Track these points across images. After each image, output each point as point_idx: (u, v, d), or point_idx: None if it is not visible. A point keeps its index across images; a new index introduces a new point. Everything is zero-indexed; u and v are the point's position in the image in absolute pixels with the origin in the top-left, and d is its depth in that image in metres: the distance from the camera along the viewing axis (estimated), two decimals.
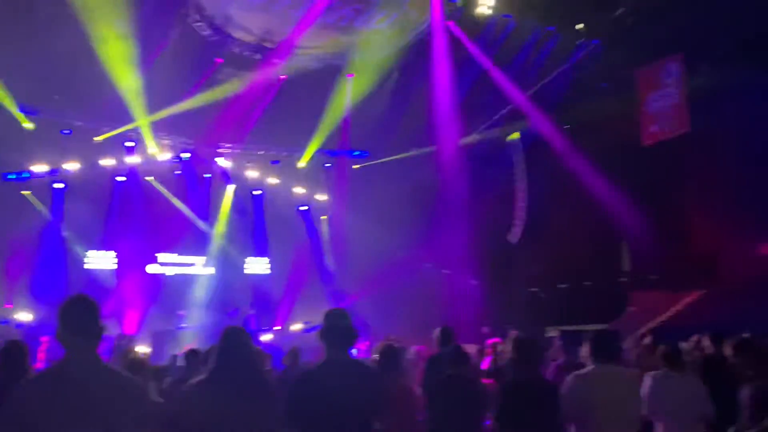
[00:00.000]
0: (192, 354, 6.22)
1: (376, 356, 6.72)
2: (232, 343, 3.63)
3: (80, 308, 2.87)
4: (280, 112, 16.71)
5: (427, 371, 6.58)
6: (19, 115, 14.55)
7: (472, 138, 17.05)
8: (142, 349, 15.25)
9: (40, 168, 15.90)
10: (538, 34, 15.00)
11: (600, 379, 4.33)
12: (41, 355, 13.45)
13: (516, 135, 16.88)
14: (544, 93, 15.59)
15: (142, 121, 15.78)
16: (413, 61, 16.27)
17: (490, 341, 9.64)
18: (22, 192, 15.94)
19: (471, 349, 9.86)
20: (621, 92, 14.63)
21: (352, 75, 16.40)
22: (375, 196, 17.55)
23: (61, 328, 2.81)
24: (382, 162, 18.46)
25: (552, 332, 13.94)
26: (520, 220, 16.68)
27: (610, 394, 4.23)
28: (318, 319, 3.96)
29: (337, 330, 3.64)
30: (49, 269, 15.91)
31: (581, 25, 14.74)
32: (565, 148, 15.03)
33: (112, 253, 17.20)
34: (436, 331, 6.79)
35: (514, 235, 16.65)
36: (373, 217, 17.08)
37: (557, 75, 15.40)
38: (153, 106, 15.48)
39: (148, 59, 14.35)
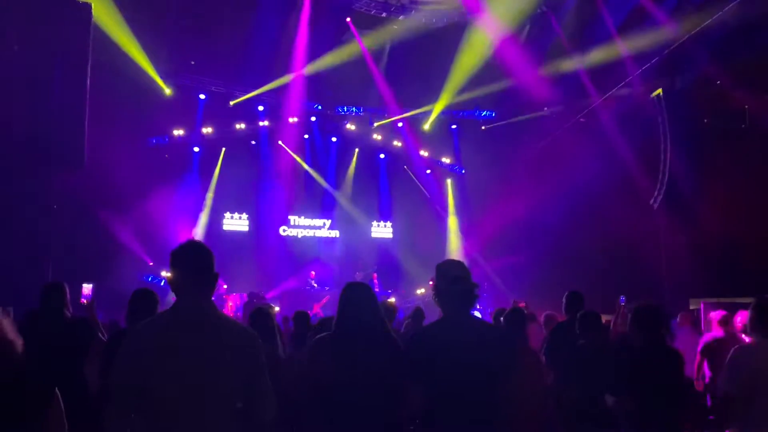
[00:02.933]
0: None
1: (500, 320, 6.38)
2: (355, 297, 3.50)
3: (192, 254, 2.70)
4: (405, 73, 16.42)
5: (551, 338, 6.11)
6: (160, 82, 15.25)
7: (610, 95, 15.86)
8: (274, 308, 15.90)
9: (178, 132, 16.71)
10: None
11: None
12: None
13: (659, 91, 15.48)
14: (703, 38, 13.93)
15: (272, 85, 16.10)
16: (541, 16, 15.30)
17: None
18: (166, 156, 16.89)
19: (606, 318, 9.25)
20: None
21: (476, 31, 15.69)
22: (502, 157, 16.91)
23: (173, 272, 2.68)
24: (510, 122, 17.67)
25: (696, 304, 12.86)
26: (662, 184, 15.38)
27: None
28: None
29: (455, 291, 3.25)
30: (187, 229, 16.83)
31: None
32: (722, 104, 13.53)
33: (246, 216, 17.90)
34: (565, 297, 6.18)
35: (656, 200, 15.39)
36: (501, 179, 16.49)
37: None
38: (282, 70, 15.74)
39: (280, 23, 14.54)
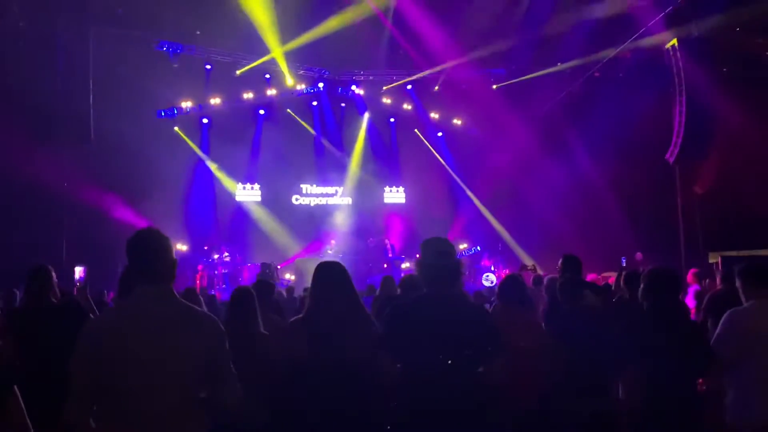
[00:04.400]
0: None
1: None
2: (327, 278, 3.49)
3: (145, 241, 2.61)
4: (411, 34, 16.04)
5: (550, 304, 5.56)
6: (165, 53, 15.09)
7: (622, 49, 15.43)
8: (289, 277, 15.93)
9: (186, 103, 16.57)
10: None
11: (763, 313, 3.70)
12: (198, 282, 14.41)
13: (674, 41, 15.03)
14: None
15: (278, 52, 15.84)
16: None
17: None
18: (175, 129, 16.79)
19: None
20: None
21: None
22: (515, 116, 16.60)
23: (129, 261, 2.60)
24: (522, 80, 17.29)
25: (714, 258, 12.66)
26: (678, 137, 15.04)
27: None
28: (455, 248, 3.53)
29: (437, 267, 3.18)
30: (199, 201, 16.82)
31: None
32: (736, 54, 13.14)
33: (258, 186, 17.84)
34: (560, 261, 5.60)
35: (672, 154, 15.07)
36: (513, 138, 16.22)
37: None
38: (287, 36, 15.47)
39: None
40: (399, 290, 5.94)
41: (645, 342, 3.66)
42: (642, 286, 3.91)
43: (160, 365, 2.40)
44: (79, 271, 11.43)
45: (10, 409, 2.36)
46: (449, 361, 2.96)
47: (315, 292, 3.48)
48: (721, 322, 3.81)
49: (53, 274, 4.56)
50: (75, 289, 5.78)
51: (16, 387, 2.41)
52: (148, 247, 2.59)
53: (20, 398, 2.41)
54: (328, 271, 3.52)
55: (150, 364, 2.39)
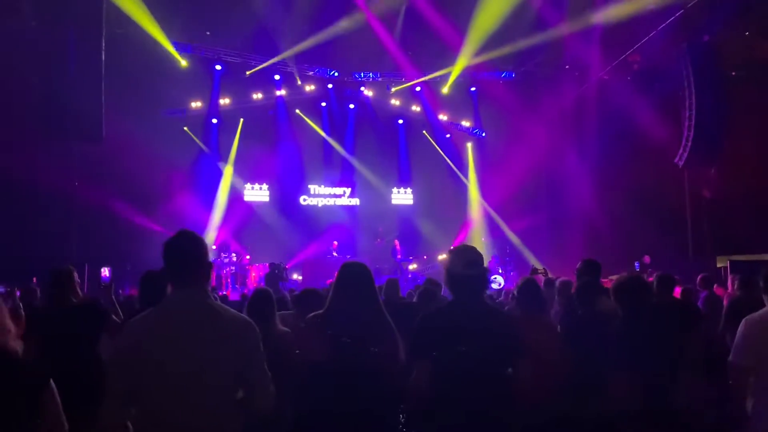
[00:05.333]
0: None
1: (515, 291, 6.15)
2: (349, 278, 3.43)
3: (183, 244, 2.64)
4: (421, 35, 16.07)
5: (565, 307, 5.68)
6: (175, 53, 15.15)
7: (631, 51, 15.40)
8: (297, 277, 15.99)
9: (195, 104, 16.66)
10: None
11: None
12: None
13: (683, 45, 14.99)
14: None
15: (288, 53, 15.92)
16: None
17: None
18: (184, 128, 16.88)
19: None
20: None
21: None
22: (523, 119, 16.60)
23: (165, 264, 2.63)
24: (531, 83, 17.29)
25: (722, 262, 12.63)
26: (687, 140, 14.99)
27: None
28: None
29: (466, 276, 3.17)
30: (207, 201, 16.90)
31: None
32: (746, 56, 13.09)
33: (266, 186, 17.91)
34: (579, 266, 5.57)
35: (681, 158, 15.03)
36: (522, 140, 16.21)
37: None
38: (297, 37, 15.53)
39: None
40: (415, 299, 5.95)
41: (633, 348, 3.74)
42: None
43: (197, 369, 2.43)
44: (104, 271, 11.55)
45: (46, 403, 2.38)
46: (479, 370, 2.96)
47: (338, 292, 3.42)
48: (740, 329, 3.81)
49: (75, 274, 4.62)
50: (101, 289, 5.84)
51: (51, 381, 2.42)
52: (188, 251, 2.62)
53: (56, 392, 2.42)
54: (352, 272, 3.48)
55: (187, 367, 2.42)
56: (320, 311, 3.46)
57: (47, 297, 4.60)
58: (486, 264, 3.34)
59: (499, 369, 3.05)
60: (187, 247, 2.63)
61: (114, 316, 4.69)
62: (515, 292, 5.27)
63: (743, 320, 3.79)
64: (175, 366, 2.42)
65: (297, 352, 3.59)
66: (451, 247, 3.40)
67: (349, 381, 3.20)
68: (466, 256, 3.24)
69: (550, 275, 12.88)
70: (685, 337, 4.25)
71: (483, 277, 3.24)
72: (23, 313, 4.57)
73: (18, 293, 5.74)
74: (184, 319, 2.51)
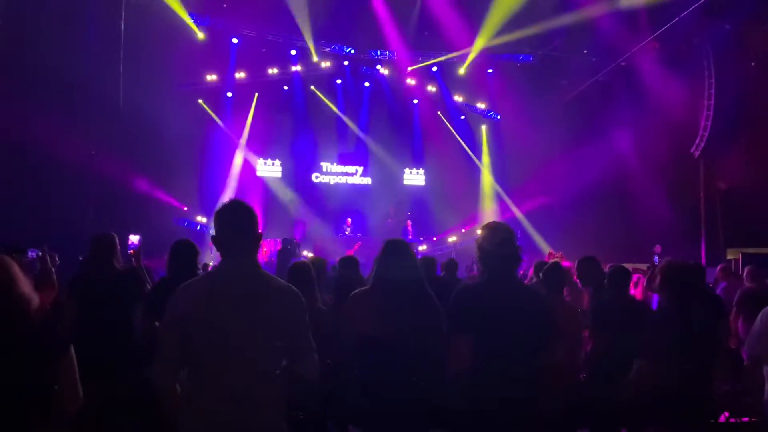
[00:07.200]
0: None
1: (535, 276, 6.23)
2: (395, 254, 3.59)
3: (236, 214, 2.67)
4: (440, 15, 15.90)
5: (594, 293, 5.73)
6: (192, 25, 15.07)
7: (651, 39, 15.20)
8: (307, 254, 16.03)
9: (210, 77, 16.60)
10: None
11: None
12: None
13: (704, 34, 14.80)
14: None
15: (305, 28, 15.81)
16: None
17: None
18: (199, 102, 16.83)
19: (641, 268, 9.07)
20: None
21: None
22: (540, 102, 16.48)
23: (217, 232, 2.66)
24: (549, 66, 17.12)
25: (733, 254, 12.60)
26: (705, 130, 14.88)
27: None
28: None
29: (501, 253, 3.23)
30: (221, 175, 16.93)
31: None
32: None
33: (278, 162, 17.91)
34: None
35: (697, 147, 14.93)
36: (537, 124, 16.10)
37: None
38: (314, 13, 15.40)
39: None
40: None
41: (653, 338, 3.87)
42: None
43: (246, 335, 2.48)
44: (133, 239, 11.60)
45: (64, 368, 2.42)
46: (519, 348, 3.03)
47: (382, 267, 3.57)
48: (758, 318, 3.84)
49: (117, 241, 4.68)
50: (128, 255, 5.90)
51: (72, 347, 2.47)
52: (240, 221, 2.65)
53: (74, 360, 2.47)
54: (395, 248, 3.63)
55: (236, 334, 2.47)
56: (365, 288, 3.63)
57: (90, 262, 4.65)
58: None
59: (537, 348, 3.11)
60: (240, 216, 2.66)
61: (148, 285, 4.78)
62: (540, 275, 5.33)
63: (763, 310, 3.84)
64: (230, 327, 2.47)
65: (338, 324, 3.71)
66: (485, 224, 3.43)
67: (396, 349, 3.31)
68: (502, 234, 3.29)
69: (562, 260, 12.89)
70: (719, 327, 4.37)
71: (517, 256, 3.29)
72: (55, 278, 4.65)
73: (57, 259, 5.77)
74: (238, 285, 2.56)
